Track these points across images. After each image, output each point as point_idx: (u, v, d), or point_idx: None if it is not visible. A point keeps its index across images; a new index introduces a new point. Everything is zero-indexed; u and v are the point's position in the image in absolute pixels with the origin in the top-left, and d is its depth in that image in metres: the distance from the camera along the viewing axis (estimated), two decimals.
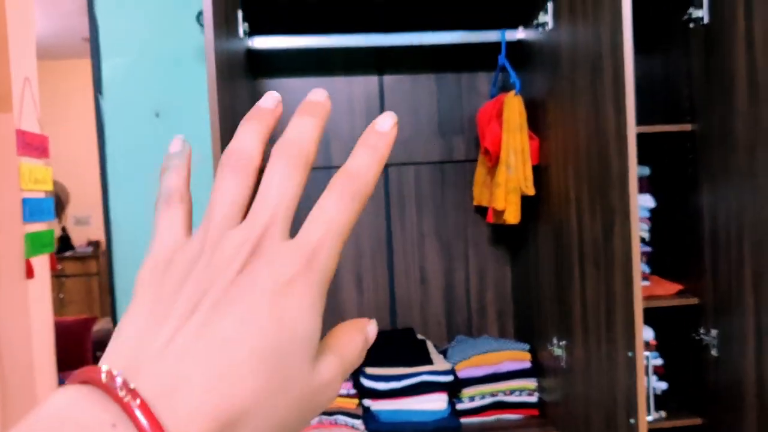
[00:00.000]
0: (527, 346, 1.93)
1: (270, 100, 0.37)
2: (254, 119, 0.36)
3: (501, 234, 2.12)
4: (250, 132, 0.35)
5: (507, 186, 1.77)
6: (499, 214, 1.85)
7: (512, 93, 1.78)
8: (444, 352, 2.01)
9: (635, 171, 1.33)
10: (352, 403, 1.82)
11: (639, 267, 1.33)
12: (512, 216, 1.78)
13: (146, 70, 1.93)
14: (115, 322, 1.92)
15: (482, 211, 2.10)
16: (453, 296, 2.11)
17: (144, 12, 1.93)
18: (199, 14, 1.89)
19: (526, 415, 1.89)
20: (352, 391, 1.83)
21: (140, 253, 1.74)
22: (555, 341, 1.73)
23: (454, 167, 2.10)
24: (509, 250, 2.12)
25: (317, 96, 0.36)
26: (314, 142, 0.35)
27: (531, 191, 1.77)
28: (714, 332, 1.66)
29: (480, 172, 2.01)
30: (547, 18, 1.65)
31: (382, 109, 2.08)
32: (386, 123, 0.36)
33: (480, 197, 2.00)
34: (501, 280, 2.12)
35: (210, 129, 1.29)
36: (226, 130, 1.38)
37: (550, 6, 1.63)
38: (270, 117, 0.36)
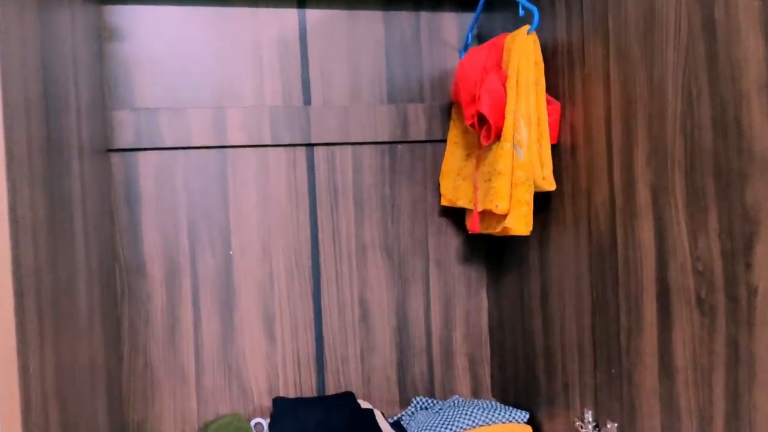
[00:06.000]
0: (526, 415, 1.30)
1: None
2: None
3: (476, 247, 1.47)
4: None
5: (514, 176, 1.13)
6: (495, 220, 1.20)
7: (522, 30, 1.14)
8: (397, 425, 1.34)
9: None
10: None
11: None
12: (521, 222, 1.13)
13: None
14: None
15: (454, 214, 1.44)
16: (407, 338, 1.44)
17: None
18: None
19: None
20: None
21: None
22: (588, 417, 1.11)
23: (410, 150, 1.43)
24: (488, 269, 1.48)
25: None
26: None
27: (551, 184, 1.14)
28: None
29: (454, 155, 1.35)
30: None
31: (304, 61, 1.38)
32: None
33: (454, 194, 1.34)
34: (474, 312, 1.48)
35: None
36: (19, 78, 0.64)
37: None
38: None
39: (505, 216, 1.16)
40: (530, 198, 1.13)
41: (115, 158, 1.28)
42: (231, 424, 1.29)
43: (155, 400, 1.32)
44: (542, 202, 1.19)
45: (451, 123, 1.37)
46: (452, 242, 1.46)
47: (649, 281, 0.97)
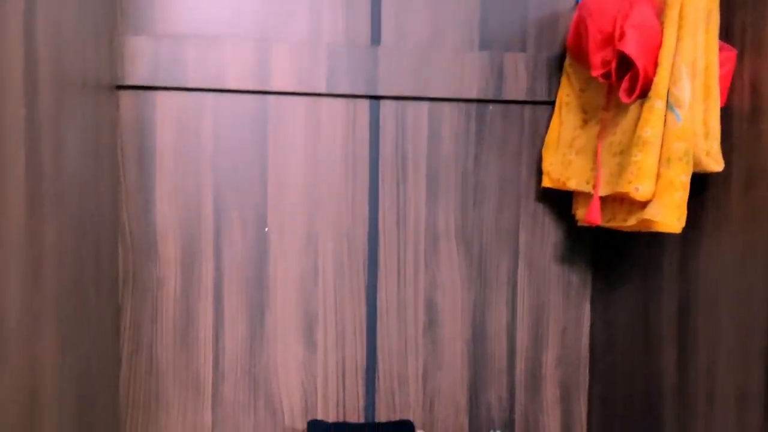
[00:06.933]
0: None
1: None
2: None
3: (581, 243, 1.14)
4: None
5: (667, 147, 0.79)
6: (626, 208, 0.87)
7: None
8: None
9: None
10: None
11: None
12: (671, 214, 0.80)
13: None
14: None
15: (555, 199, 1.11)
16: (484, 356, 1.12)
17: None
18: None
19: None
20: None
21: None
22: None
23: (504, 113, 1.10)
24: (595, 274, 1.15)
25: None
26: None
27: (718, 162, 0.80)
28: None
29: (564, 122, 1.02)
30: None
31: None
32: None
33: (562, 172, 1.01)
34: (573, 328, 1.15)
35: None
36: None
37: None
38: None
39: (645, 204, 0.83)
40: (687, 180, 0.80)
41: (125, 98, 0.99)
42: None
43: (160, 414, 1.03)
44: (693, 187, 0.86)
45: (563, 79, 1.04)
46: (550, 236, 1.13)
47: None
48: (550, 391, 1.15)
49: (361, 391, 1.09)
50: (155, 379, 1.03)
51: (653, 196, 0.81)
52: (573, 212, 1.05)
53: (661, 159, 0.80)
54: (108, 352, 0.93)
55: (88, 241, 0.79)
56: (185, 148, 1.02)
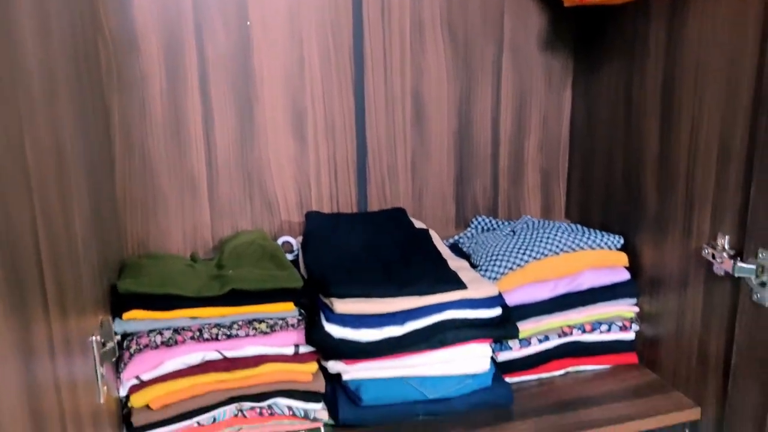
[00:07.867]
0: (620, 240, 1.05)
1: None
2: None
3: (564, 29, 1.14)
4: None
5: None
6: None
7: None
8: (455, 248, 1.10)
9: None
10: (303, 372, 0.88)
11: None
12: None
13: None
14: None
15: None
16: (469, 145, 1.16)
17: None
18: None
19: (615, 365, 1.05)
20: (305, 349, 0.88)
21: None
22: (724, 244, 0.85)
23: None
24: (577, 59, 1.16)
25: None
26: None
27: None
28: None
29: None
30: None
31: None
32: None
33: None
34: (554, 114, 1.18)
35: None
36: None
37: None
38: None
39: None
40: None
41: None
42: (253, 242, 1.03)
43: (158, 213, 1.05)
44: None
45: None
46: (534, 22, 1.13)
47: None
48: (531, 177, 1.20)
49: (353, 184, 1.12)
50: (150, 178, 1.03)
51: None
52: None
53: None
54: (103, 152, 0.92)
55: (74, 30, 0.76)
56: None
